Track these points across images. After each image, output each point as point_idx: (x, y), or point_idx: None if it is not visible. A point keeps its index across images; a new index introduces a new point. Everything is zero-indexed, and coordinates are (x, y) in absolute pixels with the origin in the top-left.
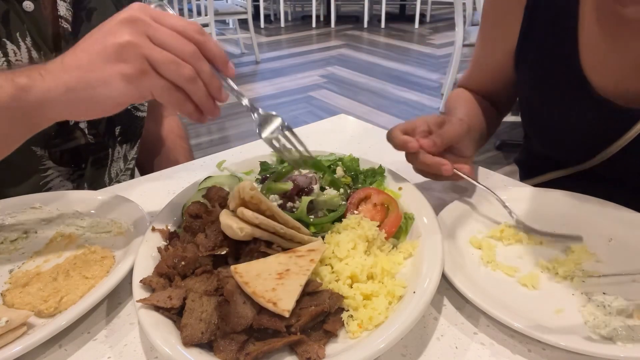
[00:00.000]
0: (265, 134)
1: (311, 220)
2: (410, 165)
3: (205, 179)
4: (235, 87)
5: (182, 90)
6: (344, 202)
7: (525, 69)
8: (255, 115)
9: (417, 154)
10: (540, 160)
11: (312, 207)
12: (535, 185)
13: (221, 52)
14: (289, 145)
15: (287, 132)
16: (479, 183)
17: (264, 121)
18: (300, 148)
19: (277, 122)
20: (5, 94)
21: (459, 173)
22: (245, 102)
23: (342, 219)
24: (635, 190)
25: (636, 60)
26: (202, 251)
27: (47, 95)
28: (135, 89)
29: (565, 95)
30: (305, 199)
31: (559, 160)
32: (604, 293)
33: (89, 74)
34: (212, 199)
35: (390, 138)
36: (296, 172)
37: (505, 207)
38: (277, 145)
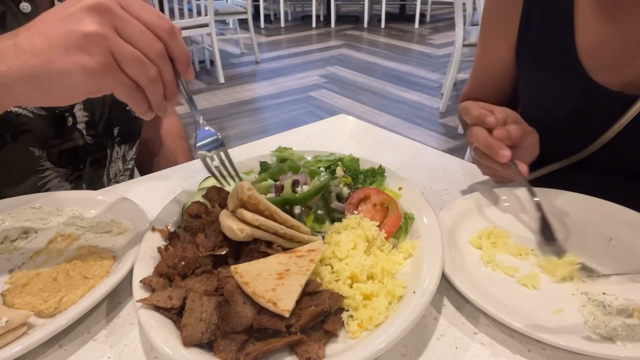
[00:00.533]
0: (201, 149)
1: (296, 195)
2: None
3: (206, 178)
4: (190, 93)
5: (141, 90)
6: (326, 175)
7: (524, 60)
8: (198, 127)
9: (482, 131)
10: (539, 156)
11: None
12: (533, 179)
13: (186, 55)
14: (219, 165)
15: (221, 152)
16: (532, 190)
17: (204, 136)
18: (230, 168)
19: (215, 140)
20: None
21: (518, 167)
22: (195, 112)
23: (342, 219)
24: (632, 176)
25: (629, 45)
26: (202, 251)
27: None
28: (95, 84)
29: (562, 82)
30: (289, 181)
31: (557, 151)
32: (604, 293)
33: (47, 64)
34: (212, 199)
35: (467, 110)
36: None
37: (547, 234)
38: (209, 162)
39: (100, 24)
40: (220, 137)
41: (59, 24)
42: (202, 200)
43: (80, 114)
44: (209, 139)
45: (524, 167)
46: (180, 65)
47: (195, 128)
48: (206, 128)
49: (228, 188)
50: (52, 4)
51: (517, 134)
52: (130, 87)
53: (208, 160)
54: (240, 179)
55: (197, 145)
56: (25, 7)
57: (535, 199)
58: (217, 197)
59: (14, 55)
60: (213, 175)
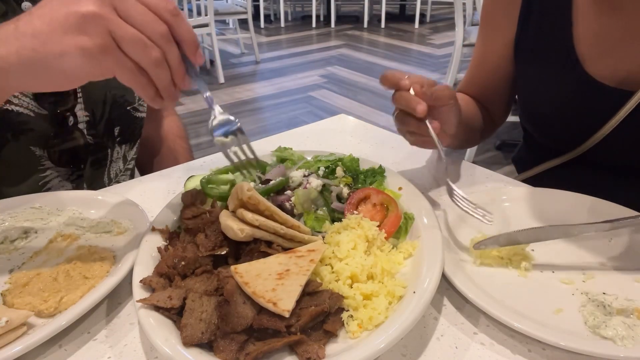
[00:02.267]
0: (218, 135)
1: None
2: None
3: (189, 178)
4: (199, 77)
5: (146, 73)
6: (283, 178)
7: (522, 54)
8: (213, 114)
9: (404, 92)
10: (536, 153)
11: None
12: (531, 177)
13: (193, 37)
14: (238, 151)
15: (239, 136)
16: (441, 149)
17: (221, 122)
18: (249, 153)
19: (232, 125)
20: None
21: (428, 126)
22: (206, 94)
23: (342, 219)
24: (628, 173)
25: (625, 41)
26: (202, 251)
27: None
28: (96, 65)
29: (559, 77)
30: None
31: (554, 149)
32: (604, 293)
33: (44, 45)
34: (190, 205)
35: (384, 76)
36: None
37: (452, 190)
38: (226, 150)
39: (98, 5)
40: (237, 121)
41: (59, 7)
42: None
43: (81, 114)
44: (226, 124)
45: (436, 125)
46: (187, 47)
47: (209, 113)
48: (221, 111)
49: (248, 178)
50: None
51: (428, 92)
52: (133, 70)
53: (227, 149)
54: (262, 168)
55: (213, 130)
56: (27, 6)
57: (444, 158)
58: (193, 200)
59: (14, 39)
60: (232, 163)
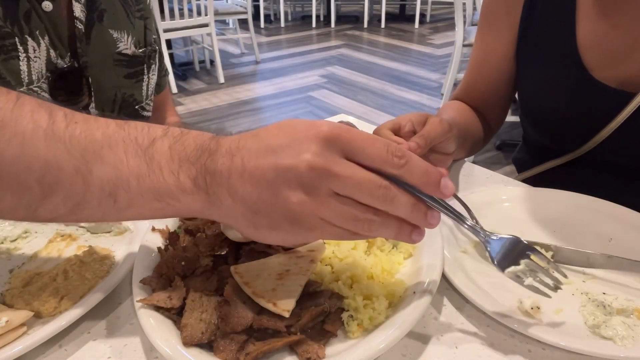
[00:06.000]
0: (504, 266)
1: None
2: None
3: None
4: (453, 209)
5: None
6: None
7: (524, 54)
8: (485, 240)
9: None
10: (536, 154)
11: None
12: (531, 177)
13: (425, 176)
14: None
15: (532, 257)
16: (455, 194)
17: (501, 246)
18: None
19: (515, 243)
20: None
21: None
22: (467, 223)
23: None
24: (629, 174)
25: (628, 42)
26: (202, 251)
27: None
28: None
29: (561, 77)
30: None
31: (555, 149)
32: (604, 293)
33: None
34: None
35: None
36: None
37: (474, 225)
38: (524, 279)
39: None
40: (520, 238)
41: (273, 192)
42: None
43: (93, 112)
44: (507, 248)
45: (442, 172)
46: (425, 188)
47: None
48: (494, 237)
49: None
50: (70, 4)
51: (422, 143)
52: (344, 233)
53: (521, 275)
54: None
55: (496, 262)
56: (47, 6)
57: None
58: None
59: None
60: (539, 293)
